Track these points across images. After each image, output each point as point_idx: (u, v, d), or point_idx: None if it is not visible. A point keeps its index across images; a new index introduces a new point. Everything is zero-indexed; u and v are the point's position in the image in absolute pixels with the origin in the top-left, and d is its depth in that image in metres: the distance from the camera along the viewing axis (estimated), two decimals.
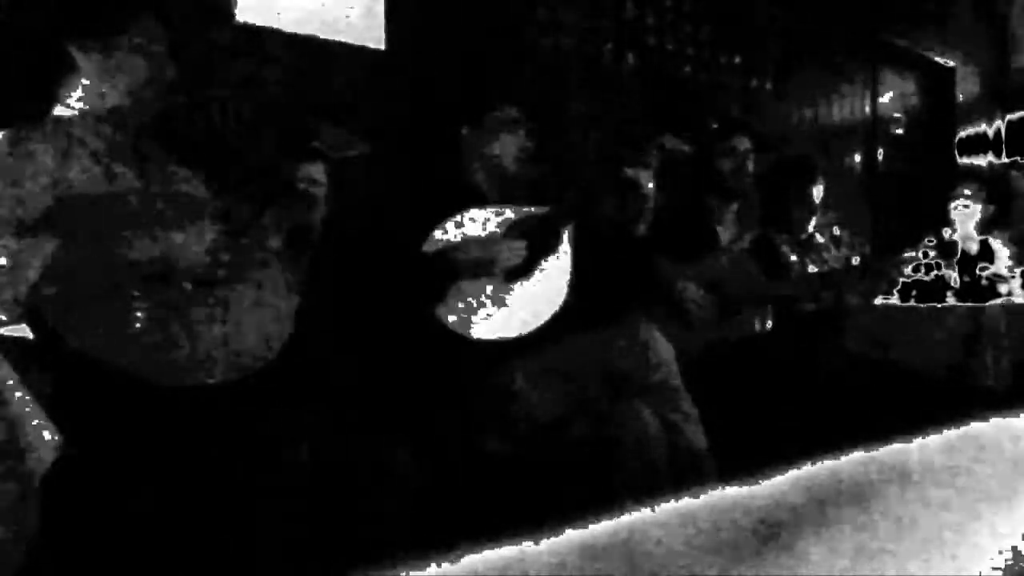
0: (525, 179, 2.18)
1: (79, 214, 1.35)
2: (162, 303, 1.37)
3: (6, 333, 1.28)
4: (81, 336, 1.29)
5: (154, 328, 1.35)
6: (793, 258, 2.94)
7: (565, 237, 2.10)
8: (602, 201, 2.17)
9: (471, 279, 1.97)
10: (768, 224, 2.98)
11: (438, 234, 1.99)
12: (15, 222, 1.29)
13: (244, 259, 1.53)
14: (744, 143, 2.74)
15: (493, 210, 2.07)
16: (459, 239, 1.98)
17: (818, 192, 3.11)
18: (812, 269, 2.97)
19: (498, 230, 2.04)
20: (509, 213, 2.07)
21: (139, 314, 1.34)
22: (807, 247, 3.08)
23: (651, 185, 2.10)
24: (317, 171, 1.60)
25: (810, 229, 3.13)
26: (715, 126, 2.84)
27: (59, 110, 1.49)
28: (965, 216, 3.80)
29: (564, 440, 1.92)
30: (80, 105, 1.49)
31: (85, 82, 1.48)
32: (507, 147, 2.16)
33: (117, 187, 1.45)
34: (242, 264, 1.52)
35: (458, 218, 2.02)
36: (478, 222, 2.03)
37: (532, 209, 2.10)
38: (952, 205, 3.85)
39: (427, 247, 1.97)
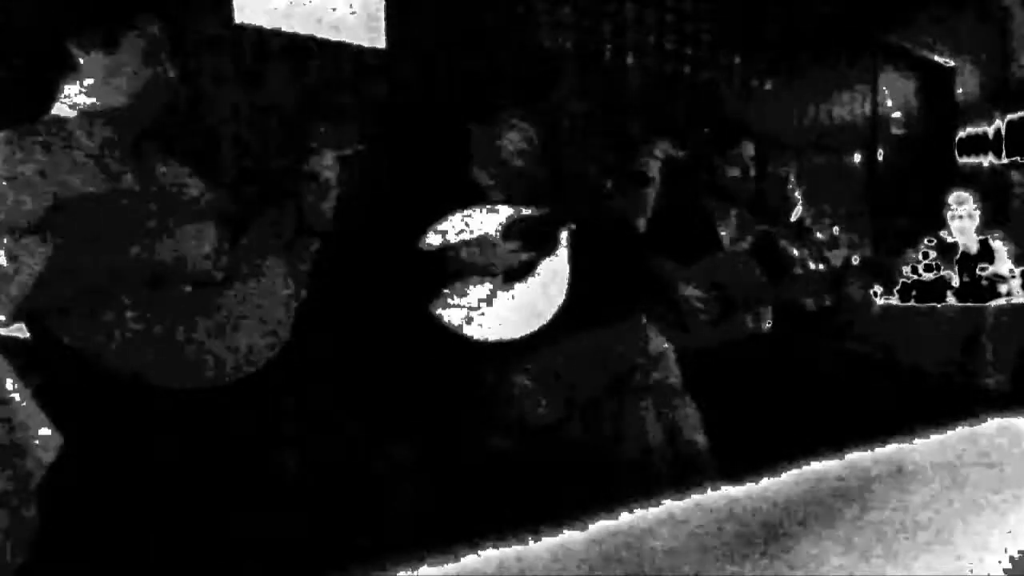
0: (528, 177, 2.19)
1: (78, 215, 1.35)
2: (161, 305, 1.37)
3: (6, 333, 1.28)
4: (81, 338, 1.29)
5: (154, 330, 1.35)
6: (795, 252, 2.94)
7: (563, 238, 2.10)
8: (604, 199, 2.17)
9: (470, 279, 1.97)
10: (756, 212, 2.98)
11: (435, 231, 1.99)
12: (13, 223, 1.29)
13: (244, 260, 1.53)
14: (749, 149, 2.75)
15: (491, 209, 2.07)
16: (458, 240, 1.99)
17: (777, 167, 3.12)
18: (812, 267, 2.97)
19: (496, 232, 2.04)
20: (507, 212, 2.07)
21: (138, 316, 1.34)
22: (806, 242, 3.08)
23: (656, 178, 2.10)
24: (327, 161, 1.60)
25: (796, 214, 3.15)
26: (719, 131, 2.85)
27: (58, 110, 1.49)
28: (961, 225, 3.80)
29: (564, 440, 1.92)
30: (80, 105, 1.49)
31: (85, 82, 1.48)
32: (513, 144, 2.17)
33: (116, 188, 1.45)
34: (242, 265, 1.52)
35: (456, 216, 2.02)
36: (476, 220, 2.03)
37: (530, 210, 2.10)
38: (948, 215, 3.85)
39: (424, 243, 1.97)
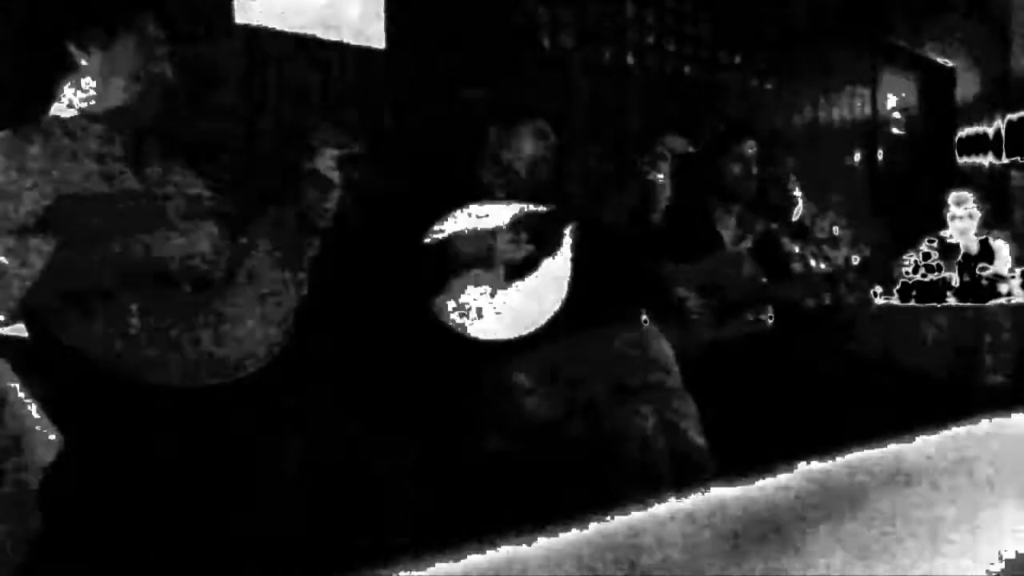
0: (536, 182, 2.19)
1: (78, 215, 1.35)
2: (161, 304, 1.37)
3: (6, 333, 1.28)
4: (81, 337, 1.29)
5: (153, 329, 1.35)
6: (796, 250, 2.93)
7: (566, 236, 2.10)
8: (610, 198, 2.17)
9: (471, 271, 1.97)
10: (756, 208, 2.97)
11: (440, 227, 1.99)
12: (14, 222, 1.29)
13: (243, 259, 1.53)
14: (751, 148, 2.74)
15: (496, 206, 2.08)
16: (460, 234, 1.99)
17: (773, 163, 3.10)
18: (814, 264, 2.97)
19: (499, 225, 2.04)
20: (512, 209, 2.08)
21: (138, 315, 1.34)
22: (808, 240, 3.07)
23: (665, 179, 2.11)
24: (327, 161, 1.61)
25: (797, 213, 3.14)
26: (722, 130, 2.84)
27: (58, 110, 1.49)
28: (961, 225, 3.80)
29: (564, 440, 1.92)
30: (80, 105, 1.49)
31: (85, 82, 1.48)
32: (525, 152, 2.17)
33: (116, 188, 1.45)
34: (241, 264, 1.52)
35: (461, 212, 2.02)
36: (481, 216, 2.04)
37: (535, 207, 2.10)
38: (948, 215, 3.85)
39: (428, 238, 1.97)
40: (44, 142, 1.40)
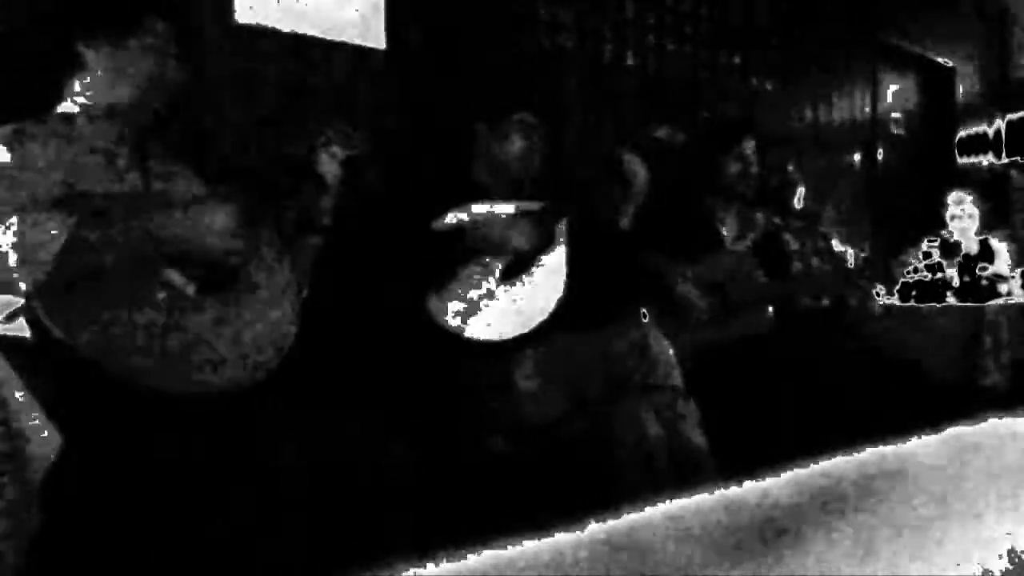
0: (529, 178, 2.19)
1: (82, 211, 1.35)
2: (164, 306, 1.37)
3: (6, 333, 1.28)
4: (82, 338, 1.28)
5: (156, 332, 1.34)
6: (796, 246, 2.92)
7: (560, 233, 2.09)
8: (597, 193, 2.17)
9: (481, 260, 1.95)
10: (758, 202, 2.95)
11: (448, 218, 1.98)
12: (33, 200, 1.28)
13: (246, 260, 1.53)
14: (751, 146, 2.74)
15: (493, 204, 2.07)
16: (468, 222, 1.97)
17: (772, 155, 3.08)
18: (816, 262, 2.96)
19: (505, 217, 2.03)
20: (506, 208, 2.07)
21: (141, 317, 1.33)
22: (812, 233, 3.06)
23: (643, 171, 2.10)
24: (328, 161, 1.61)
25: (799, 197, 3.12)
26: (721, 128, 2.84)
27: (65, 106, 1.49)
28: (961, 225, 3.81)
29: (564, 440, 1.92)
30: (86, 102, 1.49)
31: (92, 79, 1.49)
32: (516, 148, 2.16)
33: (120, 186, 1.45)
34: (244, 264, 1.52)
35: (458, 211, 2.01)
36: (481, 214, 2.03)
37: (527, 204, 2.10)
38: (948, 215, 3.85)
39: (437, 226, 1.95)
40: (49, 138, 1.39)
